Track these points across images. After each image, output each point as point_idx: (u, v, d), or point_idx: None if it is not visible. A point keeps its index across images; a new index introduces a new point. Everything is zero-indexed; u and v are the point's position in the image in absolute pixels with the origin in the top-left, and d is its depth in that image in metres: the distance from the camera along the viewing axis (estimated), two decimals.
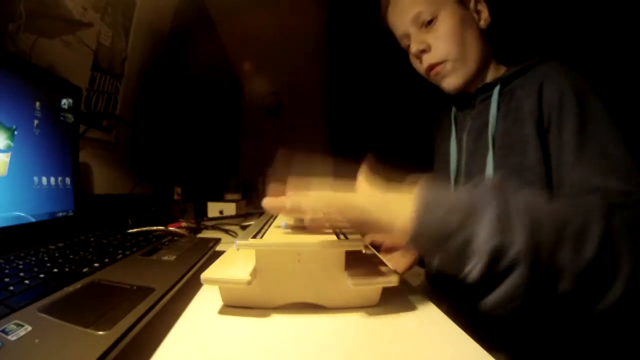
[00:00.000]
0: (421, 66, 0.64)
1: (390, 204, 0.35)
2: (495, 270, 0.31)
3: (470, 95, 0.65)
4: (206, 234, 0.79)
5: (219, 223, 0.92)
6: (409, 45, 0.65)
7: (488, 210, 0.32)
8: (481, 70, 0.62)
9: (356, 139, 2.03)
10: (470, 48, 0.60)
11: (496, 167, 0.56)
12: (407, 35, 0.64)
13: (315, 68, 2.17)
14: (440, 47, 0.60)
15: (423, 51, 0.62)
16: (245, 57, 2.14)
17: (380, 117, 1.97)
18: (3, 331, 0.22)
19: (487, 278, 0.32)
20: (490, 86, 0.60)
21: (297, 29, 2.12)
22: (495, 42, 0.64)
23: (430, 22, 0.60)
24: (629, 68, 1.14)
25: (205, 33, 1.64)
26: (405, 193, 0.35)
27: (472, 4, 0.62)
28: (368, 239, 0.73)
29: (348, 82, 2.05)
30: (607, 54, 1.17)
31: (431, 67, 0.62)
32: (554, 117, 0.51)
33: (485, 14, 0.62)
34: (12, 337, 0.21)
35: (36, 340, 0.21)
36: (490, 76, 0.64)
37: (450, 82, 0.62)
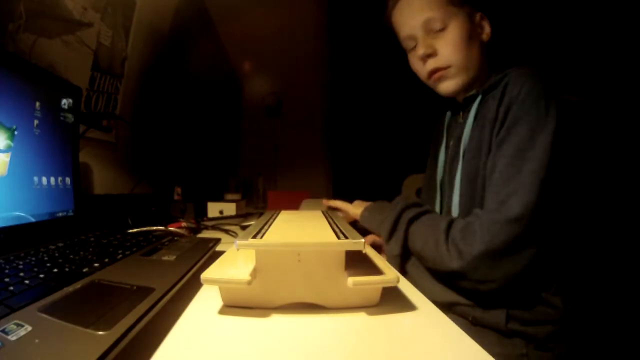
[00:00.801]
0: (423, 69, 0.67)
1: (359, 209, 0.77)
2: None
3: (459, 105, 0.69)
4: (206, 234, 0.79)
5: (219, 223, 0.92)
6: (413, 48, 0.67)
7: (388, 221, 0.65)
8: (477, 80, 0.66)
9: (356, 139, 2.03)
10: (473, 58, 0.64)
11: (462, 172, 0.63)
12: (413, 38, 0.66)
13: (315, 68, 2.17)
14: (447, 53, 0.63)
15: (429, 55, 0.64)
16: (245, 57, 2.14)
17: (380, 117, 1.97)
18: (3, 331, 0.22)
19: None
20: (474, 97, 0.65)
21: (297, 28, 2.12)
22: (492, 56, 0.68)
23: (439, 30, 0.63)
24: (619, 77, 1.16)
25: (205, 33, 1.64)
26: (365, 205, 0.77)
27: (477, 19, 0.65)
28: (369, 238, 0.82)
29: (348, 82, 2.04)
30: (596, 64, 1.20)
31: (434, 70, 0.65)
32: (501, 115, 0.56)
33: (487, 29, 0.66)
34: (12, 337, 0.21)
35: (36, 340, 0.21)
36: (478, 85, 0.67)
37: (448, 86, 0.66)
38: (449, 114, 0.75)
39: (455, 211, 0.64)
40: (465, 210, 0.62)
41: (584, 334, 0.59)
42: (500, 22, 0.67)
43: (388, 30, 0.73)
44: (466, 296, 0.58)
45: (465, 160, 0.63)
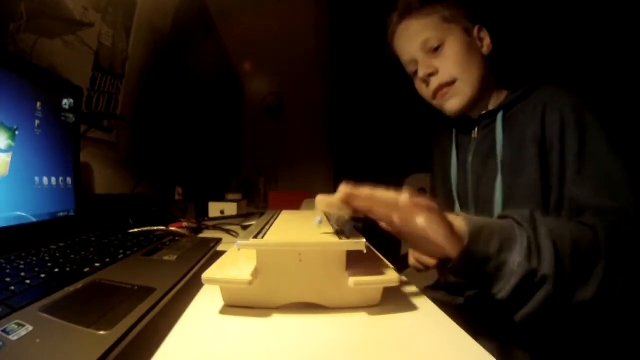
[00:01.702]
0: (428, 90, 0.66)
1: (445, 227, 0.37)
2: (524, 289, 0.39)
3: (474, 120, 0.67)
4: (207, 234, 0.79)
5: (220, 223, 0.92)
6: (415, 72, 0.67)
7: (521, 240, 0.40)
8: (483, 95, 0.65)
9: (357, 138, 2.03)
10: (475, 72, 0.63)
11: (504, 191, 0.60)
12: (415, 61, 0.66)
13: (316, 67, 2.17)
14: (448, 69, 0.63)
15: (431, 75, 0.64)
16: (246, 56, 2.14)
17: (382, 116, 1.97)
18: (4, 331, 0.22)
19: (516, 295, 0.39)
20: (494, 112, 0.63)
21: (298, 28, 2.12)
22: (495, 68, 0.67)
23: (437, 49, 0.63)
24: (621, 85, 1.16)
25: (206, 33, 1.64)
26: (456, 219, 0.40)
27: (475, 32, 0.65)
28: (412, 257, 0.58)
29: (349, 81, 2.04)
30: (600, 73, 1.20)
31: (439, 88, 0.64)
32: (556, 139, 0.54)
33: (487, 41, 0.65)
34: (13, 337, 0.21)
35: (37, 340, 0.21)
36: (492, 102, 0.66)
37: (454, 103, 0.64)
38: (455, 130, 0.73)
39: None
40: None
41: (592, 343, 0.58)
42: (500, 31, 0.67)
43: (393, 59, 0.73)
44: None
45: (509, 180, 0.60)
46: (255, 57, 2.15)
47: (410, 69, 0.69)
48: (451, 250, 0.37)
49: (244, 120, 2.23)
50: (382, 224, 0.41)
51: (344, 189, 0.36)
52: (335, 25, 2.08)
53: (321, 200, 0.37)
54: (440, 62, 0.63)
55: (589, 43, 1.25)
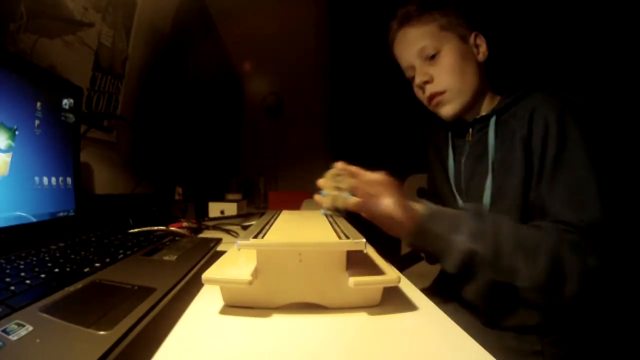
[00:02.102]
0: (423, 96, 0.70)
1: (407, 208, 0.49)
2: (467, 268, 0.48)
3: (468, 124, 0.71)
4: (207, 234, 0.79)
5: (220, 223, 0.92)
6: (413, 77, 0.70)
7: (468, 225, 0.49)
8: (477, 100, 0.68)
9: (357, 139, 2.03)
10: (469, 80, 0.66)
11: (493, 190, 0.63)
12: (412, 67, 0.69)
13: (316, 68, 2.17)
14: (442, 79, 0.66)
15: (426, 82, 0.67)
16: (246, 57, 2.14)
17: (381, 117, 1.97)
18: (4, 331, 0.22)
19: (461, 272, 0.49)
20: (487, 117, 0.66)
21: (298, 28, 2.12)
22: (491, 74, 0.70)
23: (433, 57, 0.66)
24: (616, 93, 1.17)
25: (206, 33, 1.64)
26: (417, 204, 0.51)
27: (471, 39, 0.67)
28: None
29: (349, 81, 2.04)
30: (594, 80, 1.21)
31: (432, 96, 0.68)
32: (538, 143, 0.57)
33: (483, 48, 0.67)
34: (13, 337, 0.21)
35: (37, 340, 0.21)
36: (486, 106, 0.69)
37: (448, 109, 0.68)
38: (450, 133, 0.76)
39: None
40: None
41: (602, 332, 0.60)
42: (498, 37, 0.69)
43: (394, 62, 0.76)
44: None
45: (497, 179, 0.63)
46: (255, 57, 2.15)
47: (408, 74, 0.72)
48: (409, 227, 0.49)
49: (244, 120, 2.23)
50: (362, 213, 0.51)
51: (339, 164, 0.51)
52: (335, 25, 2.08)
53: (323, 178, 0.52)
54: (436, 71, 0.66)
55: (587, 48, 1.26)
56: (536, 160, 0.57)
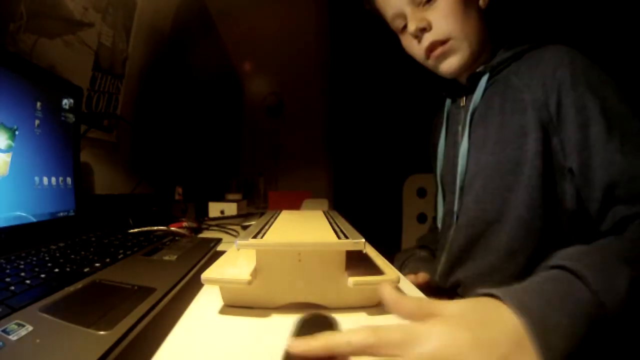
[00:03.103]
0: (419, 47, 0.58)
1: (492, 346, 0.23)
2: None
3: (462, 87, 0.62)
4: (207, 234, 0.79)
5: (220, 223, 0.92)
6: (403, 27, 0.59)
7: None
8: (480, 53, 0.59)
9: (357, 139, 2.03)
10: (472, 28, 0.56)
11: (493, 160, 0.55)
12: (402, 15, 0.58)
13: (316, 67, 2.17)
14: (443, 25, 0.55)
15: (423, 29, 0.56)
16: (246, 56, 2.14)
17: (381, 117, 1.97)
18: (4, 331, 0.22)
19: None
20: (480, 74, 0.58)
21: (298, 28, 2.12)
22: (493, 25, 0.60)
23: (429, 0, 0.55)
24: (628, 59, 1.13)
25: (206, 33, 1.64)
26: (491, 322, 0.24)
27: None
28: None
29: (349, 81, 2.04)
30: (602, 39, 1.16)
31: (432, 46, 0.57)
32: (567, 101, 0.48)
33: None
34: (13, 337, 0.21)
35: (37, 340, 0.21)
36: (482, 62, 0.60)
37: (453, 62, 0.57)
38: (448, 100, 0.67)
39: (469, 212, 0.58)
40: (483, 209, 0.55)
41: None
42: None
43: (375, 16, 0.65)
44: None
45: (498, 149, 0.54)
46: (255, 57, 2.15)
47: (396, 24, 0.60)
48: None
49: (244, 120, 2.23)
50: None
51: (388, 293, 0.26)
52: (335, 25, 2.08)
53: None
54: (433, 16, 0.55)
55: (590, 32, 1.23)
56: (570, 120, 0.48)
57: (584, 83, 0.47)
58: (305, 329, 0.25)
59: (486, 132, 0.56)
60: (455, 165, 0.62)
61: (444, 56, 0.57)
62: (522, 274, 0.50)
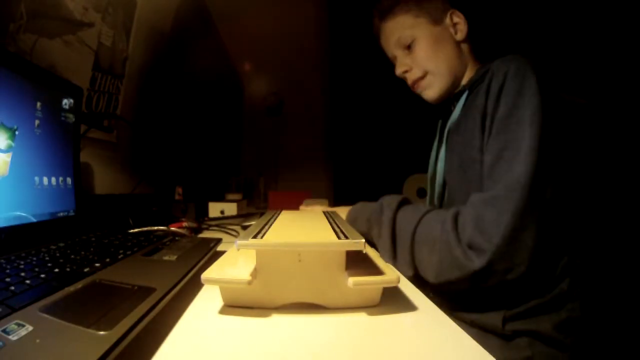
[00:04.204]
0: (409, 84, 0.75)
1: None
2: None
3: (450, 104, 0.72)
4: (207, 234, 0.79)
5: (220, 223, 0.92)
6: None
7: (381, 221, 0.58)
8: (460, 79, 0.70)
9: (357, 139, 2.03)
10: (447, 62, 0.68)
11: (457, 165, 0.63)
12: (394, 57, 0.74)
13: (316, 67, 2.17)
14: (419, 65, 0.70)
15: (406, 71, 0.72)
16: (246, 57, 2.14)
17: (381, 117, 1.97)
18: (4, 331, 0.22)
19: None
20: (461, 93, 0.67)
21: (298, 28, 2.12)
22: (478, 46, 0.70)
23: (410, 46, 0.70)
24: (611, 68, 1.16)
25: (206, 33, 1.64)
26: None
27: (447, 20, 0.68)
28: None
29: (349, 81, 2.04)
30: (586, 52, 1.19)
31: (414, 83, 0.72)
32: (490, 108, 0.55)
33: (461, 26, 0.68)
34: (13, 337, 0.21)
35: (37, 340, 0.21)
36: (465, 82, 0.69)
37: (430, 93, 0.71)
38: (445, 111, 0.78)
39: (448, 206, 0.65)
40: (450, 203, 0.66)
41: (596, 322, 0.56)
42: (480, 14, 0.70)
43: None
44: (463, 301, 0.57)
45: (455, 152, 0.64)
46: (255, 57, 2.15)
47: (392, 60, 0.77)
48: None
49: (244, 120, 2.23)
50: None
51: None
52: (334, 25, 2.08)
53: None
54: (413, 59, 0.70)
55: (590, 36, 1.24)
56: (487, 127, 0.56)
57: (505, 90, 0.54)
58: None
59: (457, 137, 0.65)
60: (436, 166, 0.74)
61: (424, 88, 0.72)
62: None
